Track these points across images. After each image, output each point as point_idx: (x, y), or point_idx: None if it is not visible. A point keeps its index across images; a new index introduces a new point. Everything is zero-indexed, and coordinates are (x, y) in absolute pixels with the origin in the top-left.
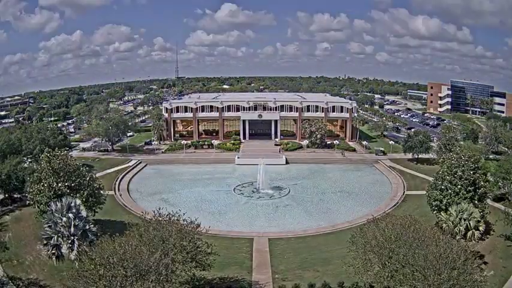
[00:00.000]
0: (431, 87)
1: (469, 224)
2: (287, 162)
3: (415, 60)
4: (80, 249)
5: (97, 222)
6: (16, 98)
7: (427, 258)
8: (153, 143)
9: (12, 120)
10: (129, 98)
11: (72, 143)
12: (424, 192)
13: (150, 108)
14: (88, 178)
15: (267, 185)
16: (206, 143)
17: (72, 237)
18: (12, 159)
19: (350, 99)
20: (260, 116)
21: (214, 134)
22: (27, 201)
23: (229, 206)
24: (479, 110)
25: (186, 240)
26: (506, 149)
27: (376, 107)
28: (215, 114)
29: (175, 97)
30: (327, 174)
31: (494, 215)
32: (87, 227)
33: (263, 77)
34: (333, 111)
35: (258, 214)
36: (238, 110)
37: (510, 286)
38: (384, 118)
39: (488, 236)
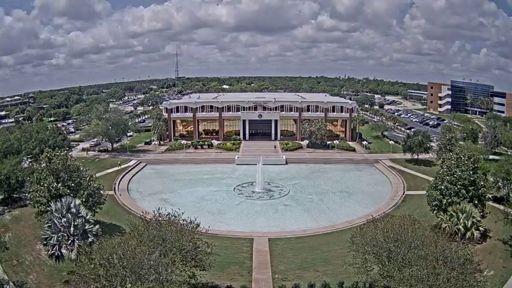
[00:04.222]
0: (431, 87)
1: (469, 224)
2: (287, 162)
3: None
4: (79, 250)
5: (97, 222)
6: (16, 98)
7: (427, 259)
8: (153, 143)
9: (12, 120)
10: (129, 98)
11: (72, 143)
12: (424, 192)
13: (150, 108)
14: (88, 178)
15: (263, 186)
16: (206, 143)
17: (72, 238)
18: (12, 160)
19: (350, 99)
20: (260, 116)
21: (214, 134)
22: (27, 201)
23: (229, 206)
24: (479, 110)
25: (186, 240)
26: (506, 149)
27: (376, 107)
28: (215, 114)
29: (175, 97)
30: (326, 174)
31: (494, 215)
32: (87, 227)
33: (263, 77)
34: (333, 111)
35: (258, 214)
36: (238, 110)
37: (510, 286)
38: (384, 118)
39: (488, 236)
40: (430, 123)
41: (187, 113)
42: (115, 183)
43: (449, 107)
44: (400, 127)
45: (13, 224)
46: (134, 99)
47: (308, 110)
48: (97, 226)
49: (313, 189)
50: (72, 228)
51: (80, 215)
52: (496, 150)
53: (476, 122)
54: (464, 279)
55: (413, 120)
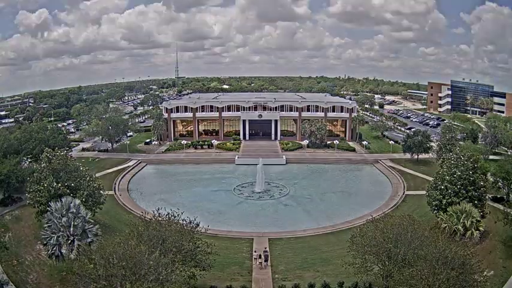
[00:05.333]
0: (431, 87)
1: (469, 223)
2: (287, 162)
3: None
4: (79, 249)
5: (97, 222)
6: (16, 98)
7: (426, 259)
8: (153, 143)
9: (12, 120)
10: (129, 98)
11: (72, 143)
12: (424, 192)
13: (150, 108)
14: (88, 178)
15: (263, 186)
16: (206, 143)
17: (72, 237)
18: (12, 160)
19: (350, 99)
20: (260, 116)
21: (214, 134)
22: (27, 201)
23: (229, 206)
24: (479, 110)
25: (186, 240)
26: (506, 149)
27: (376, 107)
28: (215, 114)
29: (175, 97)
30: (326, 174)
31: (494, 215)
32: (87, 227)
33: (263, 77)
34: (333, 111)
35: (258, 214)
36: (238, 110)
37: (510, 286)
38: (384, 118)
39: (488, 236)
40: (430, 123)
41: (187, 113)
42: (115, 183)
43: (449, 107)
44: (400, 127)
45: (13, 224)
46: (134, 99)
47: (308, 110)
48: (97, 226)
49: (313, 189)
50: (71, 228)
51: (79, 215)
52: (496, 150)
53: (476, 122)
54: (464, 279)
55: (413, 120)
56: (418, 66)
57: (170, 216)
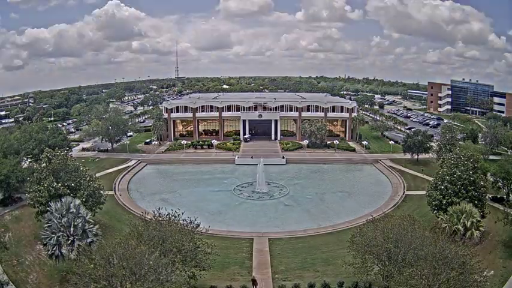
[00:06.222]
0: (432, 87)
1: (469, 223)
2: (287, 162)
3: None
4: (79, 249)
5: (97, 222)
6: (16, 98)
7: (427, 259)
8: (153, 143)
9: (12, 120)
10: (129, 98)
11: (72, 143)
12: (424, 192)
13: (150, 108)
14: (88, 178)
15: (263, 186)
16: (206, 143)
17: (72, 237)
18: (12, 159)
19: (350, 99)
20: (260, 116)
21: (214, 134)
22: (27, 201)
23: (229, 206)
24: (479, 110)
25: (186, 240)
26: (506, 149)
27: (376, 107)
28: (215, 114)
29: (175, 97)
30: (326, 174)
31: (494, 215)
32: (87, 227)
33: (263, 77)
34: (333, 111)
35: (258, 214)
36: (238, 110)
37: (510, 286)
38: (384, 118)
39: (488, 236)
40: (430, 123)
41: (187, 113)
42: (115, 183)
43: (449, 107)
44: (400, 127)
45: (13, 224)
46: (134, 99)
47: (308, 110)
48: (97, 226)
49: (313, 189)
50: (72, 228)
51: (79, 215)
52: (496, 150)
53: (476, 122)
54: (464, 279)
55: (413, 120)
56: (418, 66)
57: (170, 216)
